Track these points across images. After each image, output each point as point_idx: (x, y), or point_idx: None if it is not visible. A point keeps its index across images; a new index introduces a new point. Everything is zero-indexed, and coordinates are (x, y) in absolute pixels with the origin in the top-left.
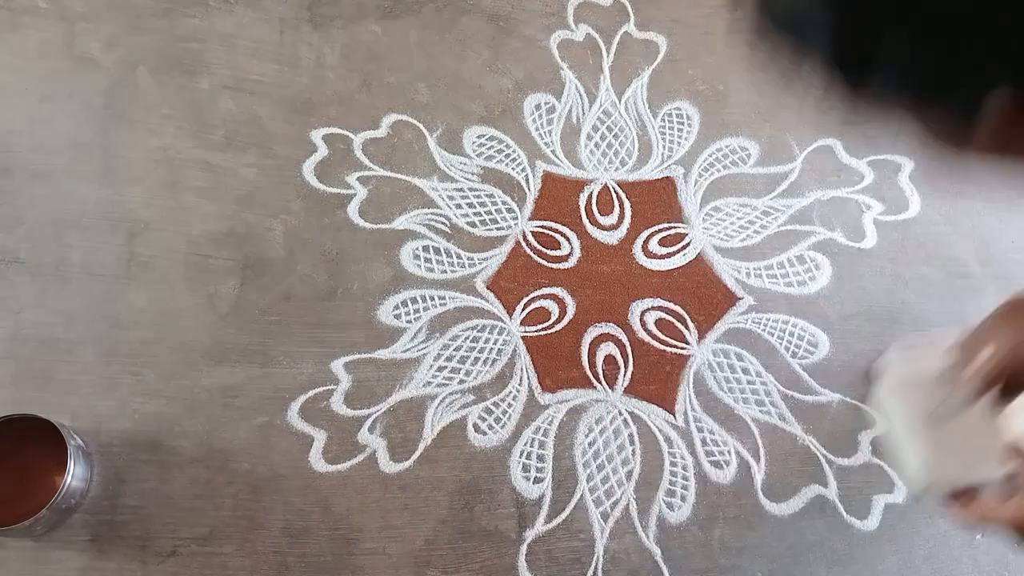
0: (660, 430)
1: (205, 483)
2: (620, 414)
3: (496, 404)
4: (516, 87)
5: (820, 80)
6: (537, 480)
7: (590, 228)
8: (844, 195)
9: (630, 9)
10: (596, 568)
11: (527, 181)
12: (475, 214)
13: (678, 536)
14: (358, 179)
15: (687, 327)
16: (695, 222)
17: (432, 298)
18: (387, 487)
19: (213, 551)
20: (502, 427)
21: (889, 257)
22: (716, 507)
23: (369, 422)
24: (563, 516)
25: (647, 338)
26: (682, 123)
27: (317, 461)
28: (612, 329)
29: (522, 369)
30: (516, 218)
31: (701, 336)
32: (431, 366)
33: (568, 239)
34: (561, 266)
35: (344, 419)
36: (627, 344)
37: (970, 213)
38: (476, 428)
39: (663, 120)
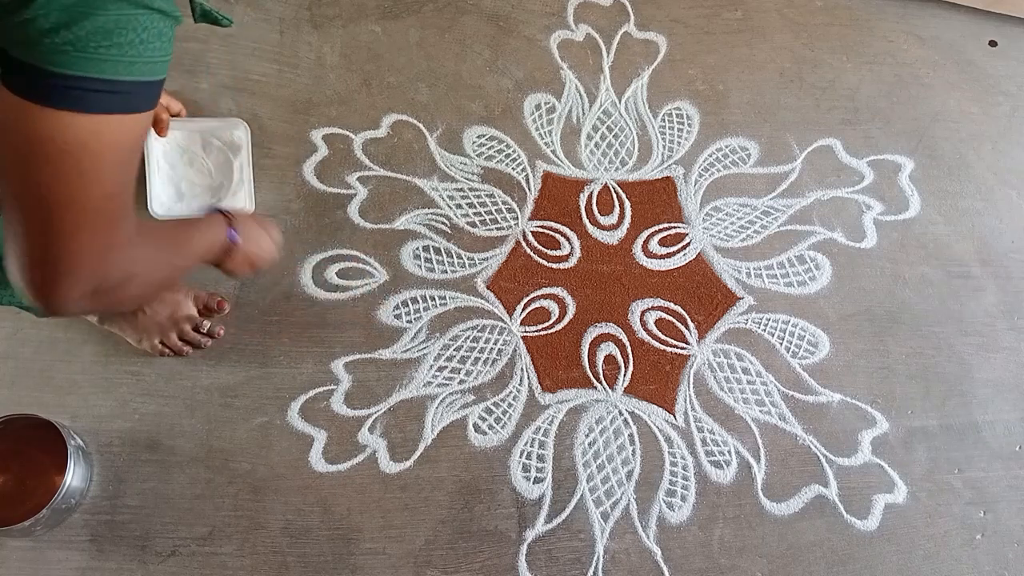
0: (660, 430)
1: (205, 483)
2: (620, 414)
3: (496, 404)
4: (516, 87)
5: None
6: (537, 480)
7: (590, 228)
8: (844, 195)
9: (630, 9)
10: (596, 568)
11: (527, 181)
12: (475, 214)
13: (678, 536)
14: (358, 179)
15: (687, 327)
16: (695, 222)
17: (432, 298)
18: (387, 487)
19: (213, 551)
20: (502, 427)
21: (889, 257)
22: (716, 507)
23: (369, 422)
24: (563, 516)
25: (647, 338)
26: (682, 123)
27: (317, 461)
28: (612, 329)
29: (522, 369)
30: (516, 218)
31: (701, 336)
32: (431, 366)
33: (568, 239)
34: (561, 266)
35: (344, 419)
36: (627, 344)
37: (970, 213)
38: (476, 428)
39: (663, 120)
